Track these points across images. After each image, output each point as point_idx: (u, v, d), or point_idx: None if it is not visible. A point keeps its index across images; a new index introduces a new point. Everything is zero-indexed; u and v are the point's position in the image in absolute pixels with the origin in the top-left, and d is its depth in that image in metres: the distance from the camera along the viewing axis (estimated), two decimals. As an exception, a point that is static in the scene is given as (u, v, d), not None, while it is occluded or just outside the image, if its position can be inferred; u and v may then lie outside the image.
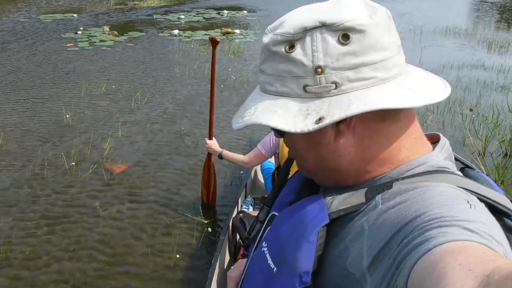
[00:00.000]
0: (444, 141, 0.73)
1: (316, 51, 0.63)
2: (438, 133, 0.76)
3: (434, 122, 5.75)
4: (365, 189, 0.68)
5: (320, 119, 0.62)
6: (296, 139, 0.72)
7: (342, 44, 0.63)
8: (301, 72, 0.65)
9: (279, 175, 0.95)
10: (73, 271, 3.05)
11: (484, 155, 4.79)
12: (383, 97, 0.62)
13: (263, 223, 0.87)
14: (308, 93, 0.65)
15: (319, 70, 0.63)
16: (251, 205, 3.44)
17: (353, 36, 0.62)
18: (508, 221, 0.62)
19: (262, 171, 3.82)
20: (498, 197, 0.64)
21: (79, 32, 10.76)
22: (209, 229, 3.51)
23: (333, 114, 0.62)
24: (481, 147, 4.95)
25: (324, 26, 0.63)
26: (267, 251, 0.74)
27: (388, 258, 0.54)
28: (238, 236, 2.97)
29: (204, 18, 13.23)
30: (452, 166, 0.71)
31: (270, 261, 0.71)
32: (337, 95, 0.64)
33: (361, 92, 0.63)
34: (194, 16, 13.46)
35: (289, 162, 0.95)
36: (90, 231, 3.47)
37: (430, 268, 0.46)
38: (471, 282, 0.41)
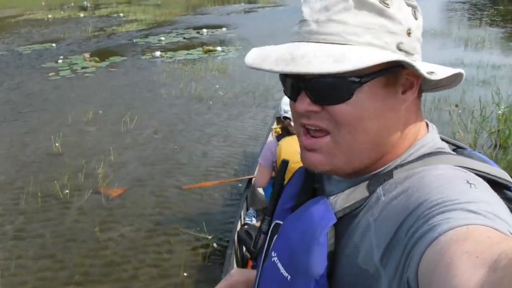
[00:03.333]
0: (431, 125, 0.74)
1: (406, 15, 0.66)
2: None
3: (423, 120, 5.82)
4: (366, 182, 0.67)
5: (432, 73, 0.64)
6: (367, 104, 0.64)
7: (414, 17, 0.68)
8: (396, 29, 0.65)
9: (275, 183, 0.91)
10: (80, 299, 2.99)
11: (475, 147, 4.85)
12: (437, 69, 0.67)
13: (267, 234, 0.85)
14: (400, 51, 0.65)
15: (410, 32, 0.66)
16: (254, 217, 3.42)
17: (418, 15, 0.68)
18: (508, 193, 0.62)
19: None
20: (496, 171, 0.64)
21: (60, 61, 10.73)
22: (214, 245, 3.48)
23: (442, 72, 0.66)
24: (471, 140, 5.02)
25: None
26: (277, 261, 0.72)
27: (398, 249, 0.54)
28: (244, 249, 2.95)
29: (184, 38, 13.30)
30: (447, 147, 0.71)
31: (282, 270, 0.69)
32: (415, 60, 0.66)
33: (447, 69, 0.68)
34: (174, 37, 13.52)
35: (283, 168, 0.92)
36: (92, 259, 3.42)
37: (437, 258, 0.46)
38: (479, 270, 0.41)
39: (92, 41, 13.36)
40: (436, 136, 0.72)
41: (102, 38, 13.81)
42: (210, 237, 3.56)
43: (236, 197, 4.17)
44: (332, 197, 0.68)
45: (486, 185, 0.59)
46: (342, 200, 0.66)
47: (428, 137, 0.70)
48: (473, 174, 0.60)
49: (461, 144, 0.75)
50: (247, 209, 3.54)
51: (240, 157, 5.12)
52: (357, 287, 0.62)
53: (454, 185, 0.56)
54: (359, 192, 0.66)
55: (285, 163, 0.92)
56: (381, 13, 0.64)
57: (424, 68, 0.63)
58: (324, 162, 0.69)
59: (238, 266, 2.91)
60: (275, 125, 4.94)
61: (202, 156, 5.19)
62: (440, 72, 0.65)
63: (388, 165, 0.69)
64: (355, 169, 0.69)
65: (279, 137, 3.06)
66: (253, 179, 3.21)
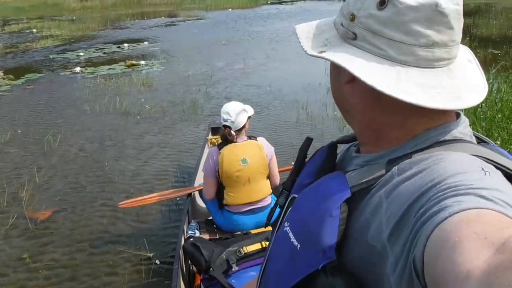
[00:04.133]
0: (464, 117, 0.74)
1: (359, 1, 0.69)
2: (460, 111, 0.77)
3: (351, 125, 6.05)
4: (386, 160, 0.69)
5: (322, 52, 0.71)
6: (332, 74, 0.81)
7: (377, 7, 0.66)
8: (345, 11, 0.72)
9: (297, 159, 0.93)
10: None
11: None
12: (368, 67, 0.65)
13: (283, 207, 0.87)
14: (340, 30, 0.72)
15: (352, 17, 0.69)
16: (197, 229, 3.33)
17: (388, 5, 0.65)
18: None
19: (200, 194, 3.75)
20: None
21: (-31, 80, 9.95)
22: (157, 261, 3.35)
23: (332, 54, 0.70)
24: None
25: None
26: (289, 230, 0.73)
27: (406, 229, 0.54)
28: (190, 263, 2.87)
29: (104, 53, 12.86)
30: (471, 137, 0.72)
31: (293, 239, 0.71)
32: (352, 45, 0.69)
33: (364, 54, 0.67)
34: (94, 52, 13.04)
35: (307, 145, 0.94)
36: (23, 288, 3.16)
37: (446, 237, 0.46)
38: (487, 250, 0.42)
39: (5, 58, 12.52)
40: (461, 126, 0.71)
41: (16, 55, 12.99)
42: (151, 254, 3.43)
43: (175, 211, 4.07)
44: (349, 173, 0.71)
45: (501, 175, 0.59)
46: (359, 175, 0.69)
47: (449, 125, 0.69)
48: (490, 165, 0.60)
49: (485, 138, 0.75)
50: (189, 222, 3.45)
51: (174, 171, 5.01)
52: (364, 263, 0.63)
53: (469, 171, 0.56)
54: (376, 169, 0.68)
55: (309, 139, 0.95)
56: None
57: (336, 49, 0.70)
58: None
59: (184, 282, 2.82)
60: (210, 136, 4.90)
61: (134, 172, 5.02)
62: (330, 55, 0.70)
63: (400, 145, 0.69)
64: (356, 134, 0.78)
65: (220, 146, 3.02)
66: (202, 191, 3.15)
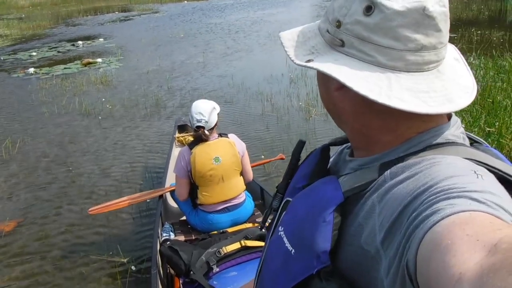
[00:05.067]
0: (456, 118, 0.74)
1: (344, 7, 0.68)
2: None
3: (319, 115, 6.10)
4: (378, 164, 0.69)
5: (309, 61, 0.70)
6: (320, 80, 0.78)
7: (364, 14, 0.65)
8: (331, 18, 0.70)
9: (290, 162, 0.92)
10: None
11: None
12: (358, 75, 0.65)
13: (278, 211, 0.88)
14: (326, 37, 0.71)
15: (337, 24, 0.68)
16: (171, 231, 3.27)
17: (375, 11, 0.64)
18: None
19: (172, 194, 3.68)
20: (509, 169, 0.64)
21: None
22: (133, 267, 3.27)
23: (319, 64, 0.68)
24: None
25: None
26: (284, 235, 0.74)
27: (399, 232, 0.54)
28: (168, 266, 2.81)
29: (58, 51, 12.46)
30: (464, 139, 0.72)
31: (287, 244, 0.71)
32: (340, 52, 0.68)
33: (353, 61, 0.66)
34: (47, 51, 12.61)
35: (299, 147, 0.93)
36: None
37: (438, 239, 0.46)
38: (479, 252, 0.42)
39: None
40: (453, 128, 0.71)
41: (-40, 57, 12.43)
42: (126, 260, 3.35)
43: (146, 213, 3.99)
44: (342, 177, 0.71)
45: (493, 177, 0.59)
46: (352, 180, 0.69)
47: (441, 127, 0.70)
48: (483, 168, 0.61)
49: (478, 139, 0.76)
50: (163, 225, 3.39)
51: (143, 171, 4.91)
52: (358, 267, 0.63)
53: (461, 174, 0.57)
54: (369, 173, 0.68)
55: (302, 142, 0.94)
56: (332, 4, 0.72)
57: (323, 58, 0.69)
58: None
59: (163, 285, 2.76)
60: (177, 134, 4.82)
61: (101, 175, 4.89)
62: (317, 64, 0.69)
63: (393, 148, 0.69)
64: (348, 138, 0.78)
65: (191, 145, 2.97)
66: (174, 192, 3.09)
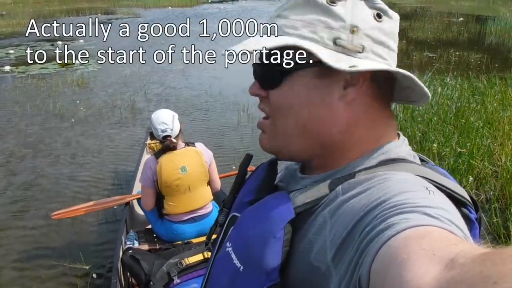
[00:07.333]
0: (403, 137, 0.76)
1: (356, 14, 0.68)
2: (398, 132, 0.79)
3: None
4: (329, 180, 0.68)
5: (353, 66, 0.64)
6: (297, 91, 0.70)
7: (376, 20, 0.69)
8: (337, 25, 0.67)
9: (237, 176, 0.90)
10: None
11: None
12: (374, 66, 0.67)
13: (223, 226, 0.85)
14: (336, 46, 0.67)
15: (355, 30, 0.67)
16: (136, 239, 3.23)
17: (384, 18, 0.70)
18: (465, 210, 0.65)
19: (139, 202, 3.64)
20: (455, 186, 0.66)
21: None
22: (94, 275, 3.21)
23: (365, 65, 0.66)
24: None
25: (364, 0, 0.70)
26: (231, 251, 0.71)
27: (351, 248, 0.54)
28: (129, 275, 2.77)
29: (37, 51, 12.25)
30: (414, 157, 0.74)
31: (236, 261, 0.69)
32: (359, 58, 0.68)
33: (373, 63, 0.68)
34: (25, 50, 12.40)
35: (247, 161, 0.91)
36: None
37: (394, 254, 0.46)
38: (436, 266, 0.42)
39: None
40: (403, 146, 0.73)
41: None
42: (88, 267, 3.29)
43: (112, 220, 3.93)
44: (293, 193, 0.70)
45: (443, 194, 0.61)
46: (303, 196, 0.68)
47: (392, 144, 0.71)
48: (432, 185, 0.62)
49: (424, 157, 0.78)
50: (127, 232, 3.34)
51: (111, 177, 4.84)
52: (307, 283, 0.62)
53: (414, 190, 0.57)
54: (320, 189, 0.67)
55: (250, 156, 0.92)
56: (324, 11, 0.68)
57: (351, 62, 0.66)
58: (267, 142, 0.77)
59: (123, 294, 2.72)
60: (149, 140, 4.77)
61: (69, 179, 4.80)
62: (363, 66, 0.66)
63: (347, 164, 0.70)
64: (298, 156, 0.76)
65: (157, 155, 2.94)
66: (141, 202, 3.05)
